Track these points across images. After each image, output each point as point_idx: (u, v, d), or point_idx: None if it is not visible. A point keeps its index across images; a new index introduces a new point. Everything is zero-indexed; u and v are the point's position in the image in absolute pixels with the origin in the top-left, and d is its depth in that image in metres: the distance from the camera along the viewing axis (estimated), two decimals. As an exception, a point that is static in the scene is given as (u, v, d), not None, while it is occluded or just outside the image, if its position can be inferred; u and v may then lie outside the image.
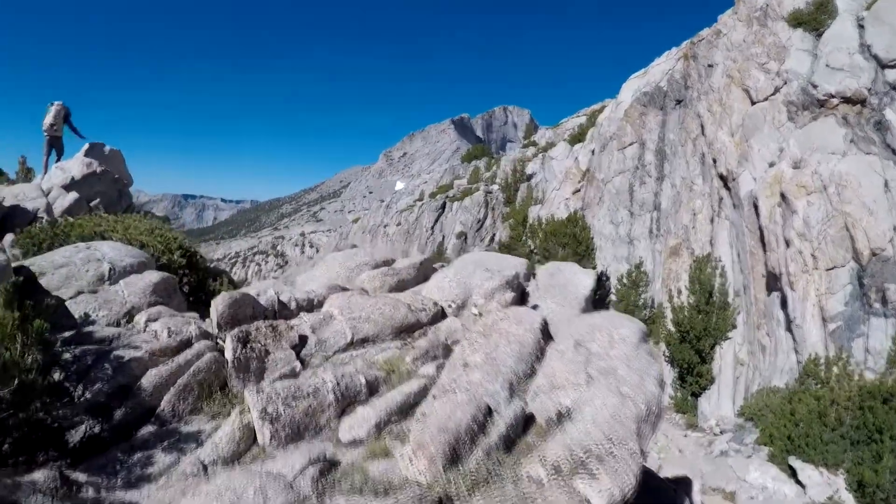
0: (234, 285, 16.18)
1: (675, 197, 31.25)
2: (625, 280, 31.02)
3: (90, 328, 7.50)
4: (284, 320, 8.27)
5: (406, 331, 8.79)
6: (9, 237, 12.13)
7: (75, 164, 19.00)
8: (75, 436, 5.91)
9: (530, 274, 12.29)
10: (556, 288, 11.51)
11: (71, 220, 13.21)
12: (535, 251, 36.87)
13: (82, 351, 6.73)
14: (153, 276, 9.05)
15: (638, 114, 35.96)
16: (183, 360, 6.83)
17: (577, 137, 54.45)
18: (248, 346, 7.21)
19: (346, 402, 6.86)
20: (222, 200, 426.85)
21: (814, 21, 27.42)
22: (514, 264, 12.06)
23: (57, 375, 6.23)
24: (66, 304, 7.94)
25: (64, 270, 8.78)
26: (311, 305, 9.25)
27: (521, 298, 10.89)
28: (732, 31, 31.32)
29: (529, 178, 58.87)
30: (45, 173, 19.61)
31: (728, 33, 31.55)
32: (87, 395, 6.28)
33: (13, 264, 9.32)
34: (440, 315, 9.60)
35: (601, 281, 34.66)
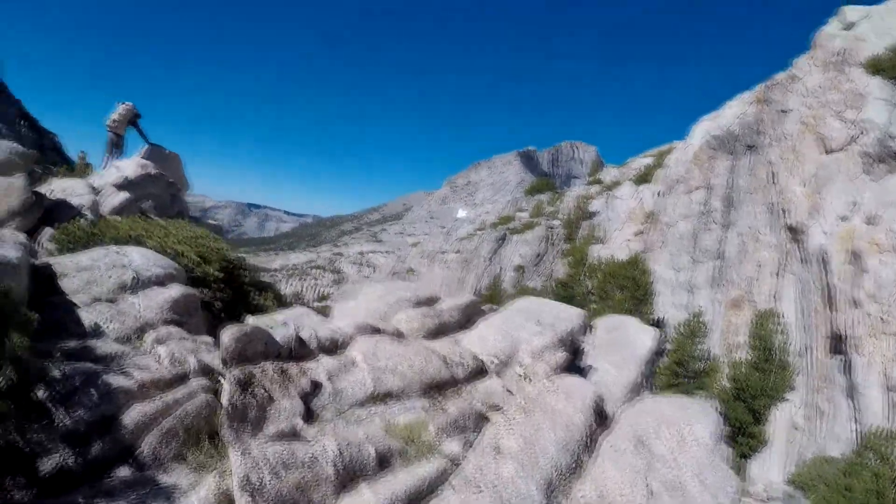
0: (280, 300, 15.69)
1: (740, 246, 30.15)
2: (682, 329, 29.92)
3: (95, 342, 7.07)
4: (298, 362, 7.54)
5: (437, 388, 7.81)
6: (47, 231, 12.00)
7: (131, 165, 18.98)
8: (47, 464, 5.44)
9: (587, 326, 11.31)
10: (614, 346, 10.45)
11: (111, 219, 13.11)
12: (591, 291, 36.02)
13: (73, 370, 6.23)
14: (174, 292, 8.60)
15: (707, 157, 34.99)
16: (172, 399, 6.22)
17: (644, 177, 53.49)
18: (249, 391, 6.42)
19: (349, 476, 5.97)
20: (285, 213, 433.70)
21: (893, 69, 26.19)
22: (570, 316, 11.07)
23: (41, 393, 5.78)
24: (80, 311, 7.58)
25: (86, 274, 8.45)
26: (335, 346, 8.32)
27: (575, 354, 9.87)
28: (808, 76, 30.21)
29: (592, 215, 58.00)
30: (104, 170, 19.65)
31: (804, 78, 30.45)
32: (68, 421, 5.75)
33: (42, 260, 9.22)
34: (479, 372, 8.58)
35: (657, 328, 33.56)
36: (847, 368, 20.97)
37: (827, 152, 26.26)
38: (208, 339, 8.10)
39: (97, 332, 7.29)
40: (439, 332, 9.96)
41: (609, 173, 74.90)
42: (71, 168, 21.47)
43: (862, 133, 25.18)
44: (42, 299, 7.48)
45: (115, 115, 20.17)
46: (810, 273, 24.19)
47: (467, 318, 10.82)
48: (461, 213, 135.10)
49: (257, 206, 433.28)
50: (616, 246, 41.87)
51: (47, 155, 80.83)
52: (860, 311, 20.70)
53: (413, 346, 8.41)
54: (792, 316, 24.90)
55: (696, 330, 29.53)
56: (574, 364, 9.52)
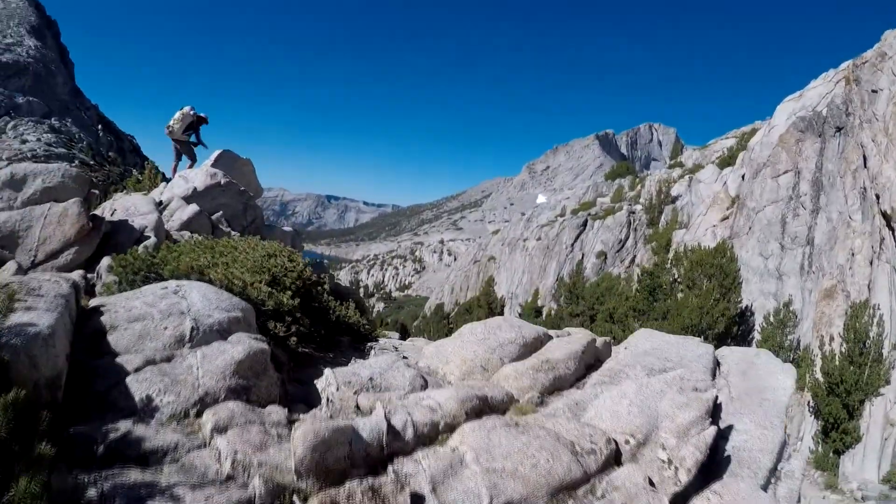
0: (362, 310, 15.04)
1: (830, 232, 29.31)
2: (771, 319, 29.25)
3: (144, 428, 6.00)
4: (392, 461, 6.26)
5: (567, 489, 6.32)
6: (105, 261, 10.86)
7: (199, 175, 17.96)
8: None
9: (716, 365, 9.88)
10: (751, 395, 8.89)
11: (173, 243, 11.79)
12: (678, 280, 35.42)
13: (112, 488, 5.06)
14: (238, 351, 7.29)
15: (794, 140, 34.04)
16: (229, 550, 4.94)
17: (727, 161, 52.47)
18: (332, 527, 5.18)
19: None
20: (364, 203, 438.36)
21: None
22: (702, 359, 9.61)
23: None
24: (130, 378, 6.55)
25: (138, 326, 7.36)
26: (436, 432, 6.91)
27: (713, 412, 8.17)
28: (898, 54, 29.07)
29: (674, 200, 57.19)
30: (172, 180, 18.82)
31: (894, 56, 29.29)
32: None
33: (95, 300, 8.32)
34: (613, 458, 6.95)
35: (745, 317, 32.95)
36: (947, 363, 20.20)
37: (922, 136, 25.23)
38: (280, 413, 6.80)
39: (148, 407, 6.32)
40: (554, 388, 8.73)
41: (690, 156, 73.77)
42: (140, 176, 20.47)
43: (959, 115, 24.16)
44: (88, 362, 6.68)
45: (170, 121, 19.10)
46: (906, 262, 23.29)
47: (585, 366, 9.51)
48: (541, 199, 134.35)
49: (336, 198, 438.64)
50: (701, 232, 41.15)
51: (127, 157, 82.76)
52: (959, 303, 19.89)
53: (534, 434, 6.82)
54: (887, 307, 24.00)
55: (787, 319, 28.85)
56: (713, 423, 7.85)
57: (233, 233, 16.03)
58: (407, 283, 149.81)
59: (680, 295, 33.73)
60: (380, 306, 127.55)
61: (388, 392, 7.83)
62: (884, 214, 25.47)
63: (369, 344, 12.14)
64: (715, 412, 8.07)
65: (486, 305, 55.93)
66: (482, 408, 7.54)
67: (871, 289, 24.98)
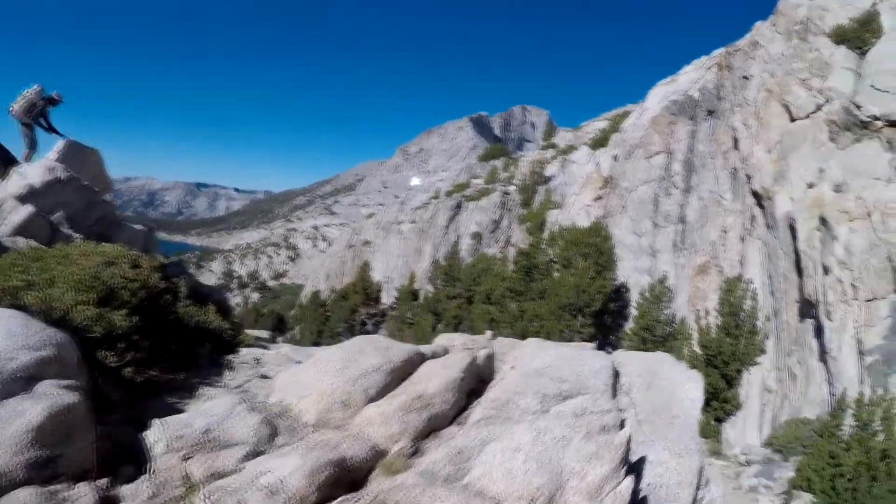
0: (224, 312, 13.32)
1: (702, 210, 30.29)
2: (647, 294, 29.97)
3: None
4: None
5: None
6: None
7: (37, 170, 15.52)
8: None
9: (615, 380, 8.43)
10: (660, 414, 7.74)
11: None
12: (554, 260, 35.85)
13: None
14: (37, 412, 5.25)
15: (666, 122, 34.96)
16: None
17: (599, 142, 53.53)
18: None
19: None
20: (236, 190, 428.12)
21: (858, 39, 26.35)
22: (601, 375, 8.19)
23: None
24: None
25: None
26: None
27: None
28: (770, 44, 30.28)
29: (548, 180, 57.96)
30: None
31: (766, 45, 30.52)
32: None
33: None
34: None
35: (620, 293, 33.70)
36: (818, 333, 21.07)
37: (792, 120, 26.26)
38: (89, 496, 5.00)
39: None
40: (430, 430, 7.21)
41: (563, 137, 74.99)
42: None
43: (827, 101, 25.22)
44: None
45: (13, 103, 16.20)
46: (778, 239, 24.21)
47: (466, 395, 8.04)
48: (415, 182, 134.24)
49: (206, 185, 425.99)
50: (575, 211, 41.77)
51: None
52: (830, 277, 20.74)
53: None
54: (759, 281, 25.00)
55: (661, 295, 29.59)
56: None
57: (75, 236, 14.12)
58: (282, 270, 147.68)
59: (556, 274, 34.15)
60: (255, 297, 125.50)
61: (226, 450, 6.23)
62: (755, 194, 26.45)
63: (228, 357, 10.25)
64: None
65: (363, 291, 55.56)
66: (340, 476, 5.94)
67: (744, 264, 25.93)
